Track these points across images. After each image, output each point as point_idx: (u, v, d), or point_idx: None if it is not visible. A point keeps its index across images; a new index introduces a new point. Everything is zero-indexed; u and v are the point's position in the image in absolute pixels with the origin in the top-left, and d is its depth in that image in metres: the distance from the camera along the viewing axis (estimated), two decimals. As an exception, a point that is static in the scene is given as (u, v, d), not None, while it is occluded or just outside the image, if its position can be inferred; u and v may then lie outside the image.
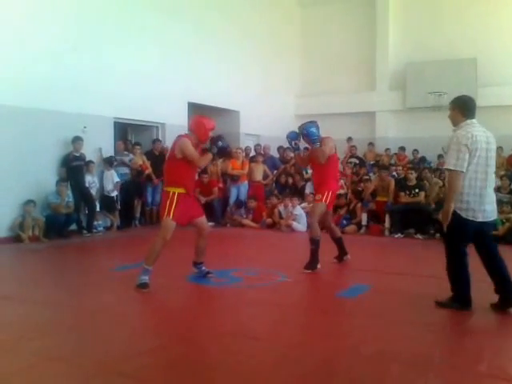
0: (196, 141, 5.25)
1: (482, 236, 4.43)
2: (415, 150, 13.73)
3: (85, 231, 9.29)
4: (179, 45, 11.53)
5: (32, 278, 6.07)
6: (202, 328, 4.06)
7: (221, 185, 11.46)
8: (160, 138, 11.37)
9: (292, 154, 12.93)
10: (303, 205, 10.74)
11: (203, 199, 10.88)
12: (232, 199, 11.38)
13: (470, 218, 4.27)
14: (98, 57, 9.72)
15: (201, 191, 11.00)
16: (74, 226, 9.25)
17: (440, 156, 13.81)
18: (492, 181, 4.42)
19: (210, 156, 5.37)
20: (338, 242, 6.56)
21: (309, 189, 11.67)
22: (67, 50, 9.12)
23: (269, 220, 10.49)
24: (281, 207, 10.42)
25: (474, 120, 4.36)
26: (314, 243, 6.05)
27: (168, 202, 5.08)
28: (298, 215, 10.14)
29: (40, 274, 6.31)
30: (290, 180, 11.98)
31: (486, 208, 4.31)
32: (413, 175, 9.95)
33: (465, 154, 4.18)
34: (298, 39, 16.46)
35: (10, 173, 8.28)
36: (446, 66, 14.19)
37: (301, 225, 10.03)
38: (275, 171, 12.38)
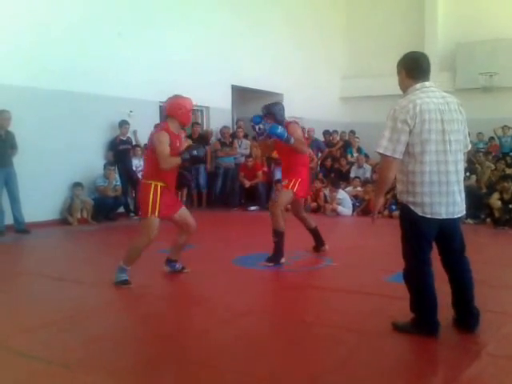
0: (177, 126, 4.74)
1: (447, 238, 3.37)
2: (466, 132, 13.29)
3: (132, 214, 9.46)
4: (223, 28, 11.47)
5: (83, 259, 6.23)
6: (250, 310, 4.06)
7: (265, 168, 11.43)
8: (204, 121, 11.44)
9: (338, 138, 12.85)
10: (348, 189, 10.60)
11: (247, 183, 10.90)
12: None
13: (429, 216, 3.22)
14: (144, 41, 9.78)
15: (245, 175, 11.01)
16: (121, 209, 9.44)
17: (491, 138, 13.37)
18: (456, 163, 3.26)
19: (177, 161, 4.65)
20: (314, 233, 6.15)
21: (354, 173, 11.53)
22: (113, 36, 9.22)
23: (313, 204, 10.40)
24: (326, 190, 10.33)
25: (426, 83, 3.34)
26: (277, 235, 5.50)
27: (151, 197, 4.57)
28: (342, 199, 10.03)
29: (90, 255, 6.47)
30: (336, 164, 11.83)
31: (451, 200, 3.23)
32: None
33: (400, 134, 3.16)
34: (342, 19, 16.08)
35: (59, 156, 8.45)
36: (497, 46, 13.64)
37: (346, 209, 9.93)
38: (320, 154, 12.24)
